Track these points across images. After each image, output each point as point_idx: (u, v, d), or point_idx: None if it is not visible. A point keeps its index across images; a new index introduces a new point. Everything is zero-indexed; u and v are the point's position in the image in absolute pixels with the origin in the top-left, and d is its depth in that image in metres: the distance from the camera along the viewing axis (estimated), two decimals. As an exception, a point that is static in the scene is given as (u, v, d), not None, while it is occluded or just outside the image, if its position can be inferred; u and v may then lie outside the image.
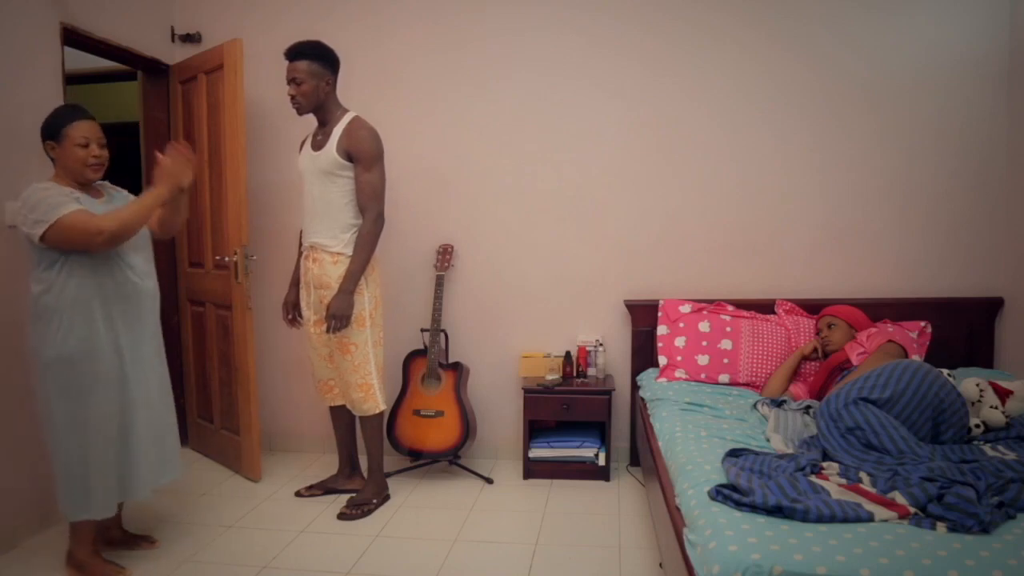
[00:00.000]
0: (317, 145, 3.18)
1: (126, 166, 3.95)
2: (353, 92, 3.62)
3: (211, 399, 3.90)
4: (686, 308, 3.60)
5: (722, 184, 3.72)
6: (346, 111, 3.20)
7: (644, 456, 3.21)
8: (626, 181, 3.77)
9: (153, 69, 3.93)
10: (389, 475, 3.61)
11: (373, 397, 3.27)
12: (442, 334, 3.72)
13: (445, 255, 3.76)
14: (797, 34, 3.62)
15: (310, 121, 3.25)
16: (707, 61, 3.68)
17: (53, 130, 2.51)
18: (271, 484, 3.59)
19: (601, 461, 3.61)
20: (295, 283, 3.40)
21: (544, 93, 3.78)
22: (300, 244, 3.35)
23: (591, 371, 3.76)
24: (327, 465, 3.78)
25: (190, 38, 3.97)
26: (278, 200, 3.97)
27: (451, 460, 3.71)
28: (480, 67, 3.81)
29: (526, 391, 3.63)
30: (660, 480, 2.46)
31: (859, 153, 3.63)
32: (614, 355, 3.85)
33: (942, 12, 3.52)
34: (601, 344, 3.77)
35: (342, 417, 3.46)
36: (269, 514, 3.26)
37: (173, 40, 4.00)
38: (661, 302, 3.66)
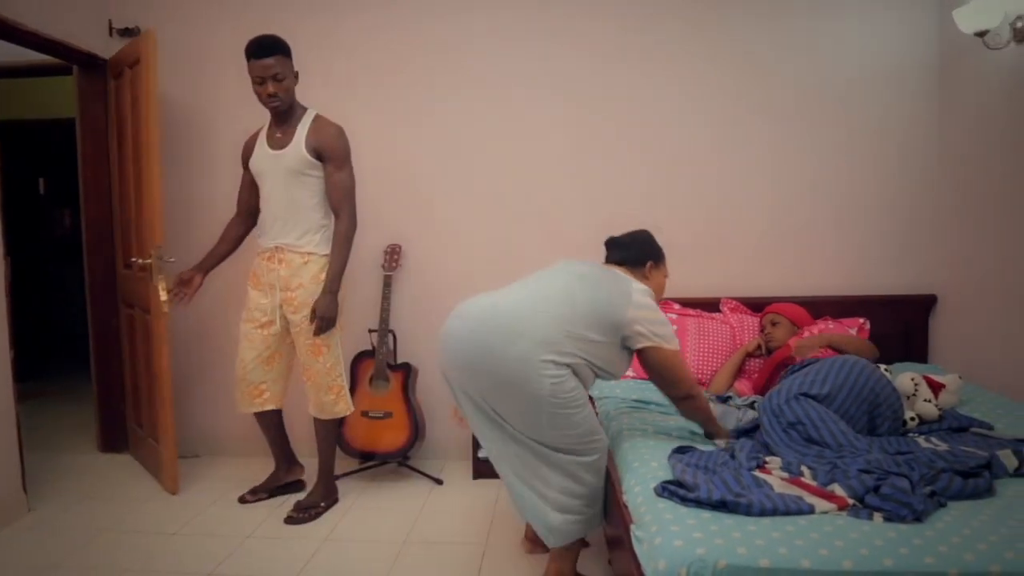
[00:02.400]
0: (277, 143, 3.08)
1: (62, 163, 3.84)
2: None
3: (140, 405, 3.81)
4: (633, 307, 3.64)
5: (668, 186, 3.77)
6: (306, 108, 3.14)
7: (593, 454, 3.24)
8: (576, 182, 3.79)
9: (89, 64, 3.81)
10: (337, 478, 3.57)
11: (344, 399, 3.26)
12: (390, 335, 3.70)
13: (393, 255, 3.73)
14: (737, 41, 3.69)
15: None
16: (650, 66, 3.72)
17: (660, 258, 2.74)
18: (211, 490, 3.52)
19: (550, 460, 3.62)
20: (202, 266, 3.30)
21: (493, 93, 3.78)
22: (219, 242, 3.30)
23: (540, 370, 3.77)
24: (264, 467, 3.73)
25: (128, 32, 3.85)
26: (206, 201, 3.88)
27: (400, 461, 3.69)
28: (427, 65, 3.79)
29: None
30: (608, 477, 2.48)
31: (799, 157, 3.72)
32: (563, 354, 3.87)
33: (876, 21, 3.64)
34: (550, 343, 3.78)
35: (269, 420, 3.38)
36: (215, 520, 3.19)
37: (111, 34, 3.87)
38: (609, 301, 3.69)
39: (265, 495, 3.40)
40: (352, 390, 3.62)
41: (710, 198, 3.76)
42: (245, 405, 3.32)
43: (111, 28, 3.87)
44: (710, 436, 2.53)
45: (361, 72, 3.82)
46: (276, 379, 3.30)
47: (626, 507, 2.10)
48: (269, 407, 3.33)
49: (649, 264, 2.64)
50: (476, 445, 3.64)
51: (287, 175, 3.06)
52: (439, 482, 3.61)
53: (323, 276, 3.10)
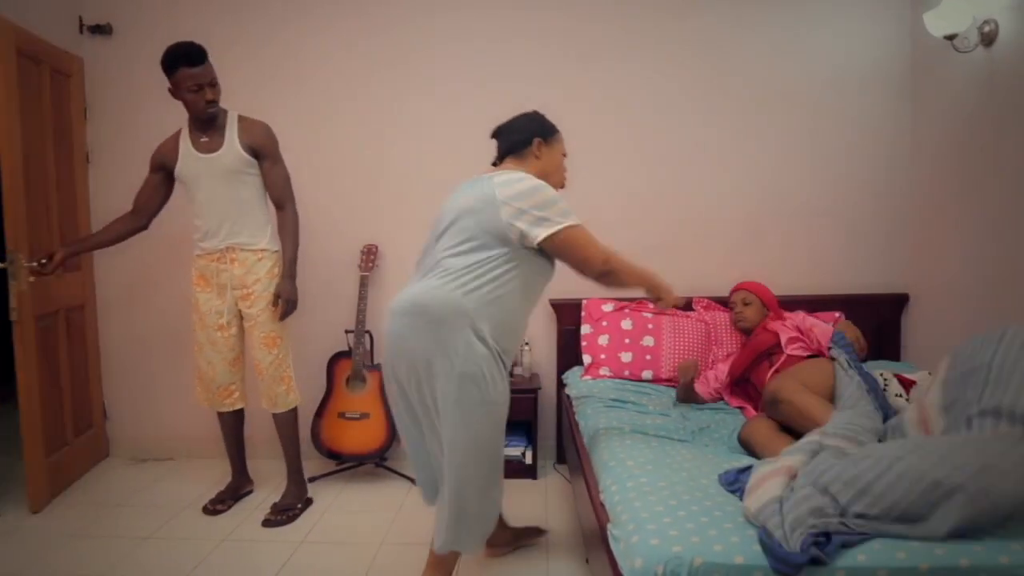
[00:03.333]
0: (205, 147, 3.08)
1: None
2: (267, 90, 3.55)
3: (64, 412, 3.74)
4: (608, 307, 3.66)
5: (642, 187, 3.79)
6: (226, 110, 3.14)
7: (570, 453, 3.25)
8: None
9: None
10: (314, 479, 3.55)
11: (294, 390, 3.30)
12: (367, 335, 3.68)
13: (369, 255, 3.72)
14: (712, 41, 3.72)
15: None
16: (623, 66, 3.74)
17: (549, 131, 2.45)
18: (185, 493, 3.48)
19: (528, 459, 3.63)
20: (68, 245, 3.26)
21: (468, 90, 3.78)
22: (101, 231, 3.29)
23: (517, 370, 3.78)
24: (205, 469, 3.73)
25: (100, 29, 3.80)
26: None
27: (377, 462, 3.67)
28: (400, 66, 3.78)
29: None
30: (585, 477, 2.49)
31: (773, 157, 3.76)
32: (540, 354, 3.88)
33: (850, 23, 3.69)
34: (527, 343, 3.80)
35: (235, 419, 3.39)
36: (189, 523, 3.16)
37: (81, 31, 3.82)
38: (584, 301, 3.70)
39: (231, 502, 3.37)
40: (329, 391, 3.61)
41: (683, 197, 3.79)
42: (219, 405, 3.32)
43: (81, 25, 3.81)
44: (656, 299, 2.38)
45: (336, 75, 3.80)
46: (242, 378, 3.34)
47: (603, 506, 2.10)
48: (239, 406, 3.36)
49: (537, 142, 2.39)
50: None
51: (226, 176, 3.08)
52: (416, 482, 3.60)
53: (276, 271, 3.17)
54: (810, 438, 2.11)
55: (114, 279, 3.94)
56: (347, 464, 3.70)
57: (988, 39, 3.07)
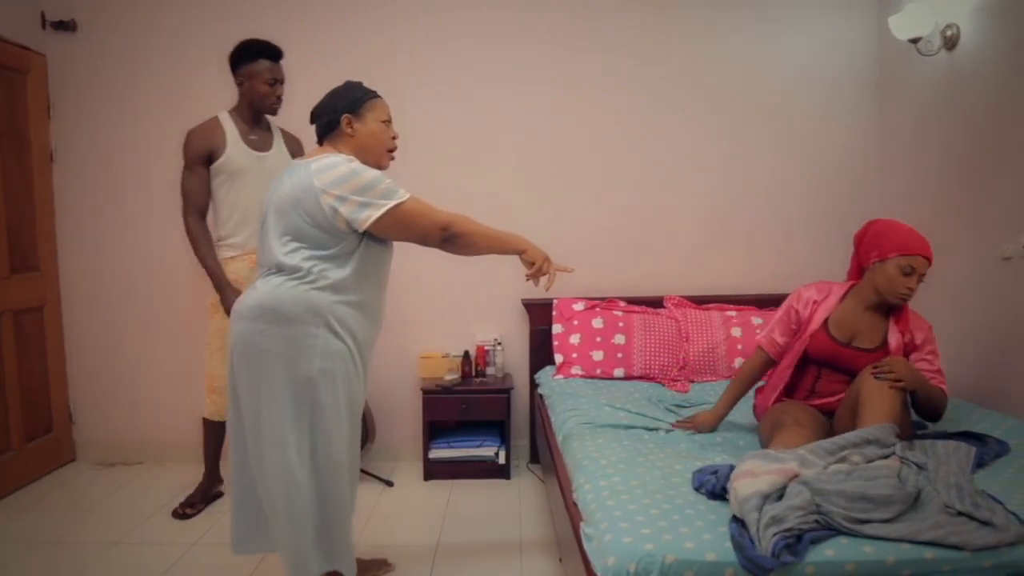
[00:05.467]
0: (254, 145, 3.09)
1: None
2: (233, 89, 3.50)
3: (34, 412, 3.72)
4: (579, 306, 3.68)
5: (613, 186, 3.82)
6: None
7: (543, 453, 3.26)
8: (521, 181, 3.81)
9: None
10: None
11: None
12: (339, 336, 3.66)
13: (341, 256, 3.69)
14: (681, 43, 3.77)
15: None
16: (593, 64, 3.77)
17: (356, 104, 2.24)
18: (154, 498, 3.44)
19: (501, 460, 3.63)
20: (229, 284, 3.13)
21: (438, 90, 3.78)
22: (212, 249, 3.15)
23: (490, 370, 3.78)
24: (175, 473, 3.71)
25: (63, 25, 3.73)
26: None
27: (350, 464, 3.65)
28: (373, 65, 3.77)
29: (425, 392, 3.62)
30: (558, 476, 2.50)
31: (743, 157, 3.81)
32: (513, 354, 3.89)
33: (819, 25, 3.76)
34: (500, 343, 3.80)
35: (222, 428, 3.29)
36: (158, 528, 3.12)
37: (44, 27, 3.75)
38: (555, 301, 3.72)
39: (202, 505, 3.32)
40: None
41: (654, 198, 3.83)
42: (220, 414, 3.21)
43: (44, 20, 3.74)
44: (529, 263, 2.31)
45: (303, 71, 3.77)
46: None
47: (576, 505, 2.11)
48: None
49: (345, 119, 2.21)
50: (427, 446, 3.63)
51: (272, 178, 3.03)
52: (390, 484, 3.59)
53: None
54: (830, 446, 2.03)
55: (80, 279, 3.87)
56: (319, 466, 3.67)
57: (950, 43, 3.14)
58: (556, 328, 3.65)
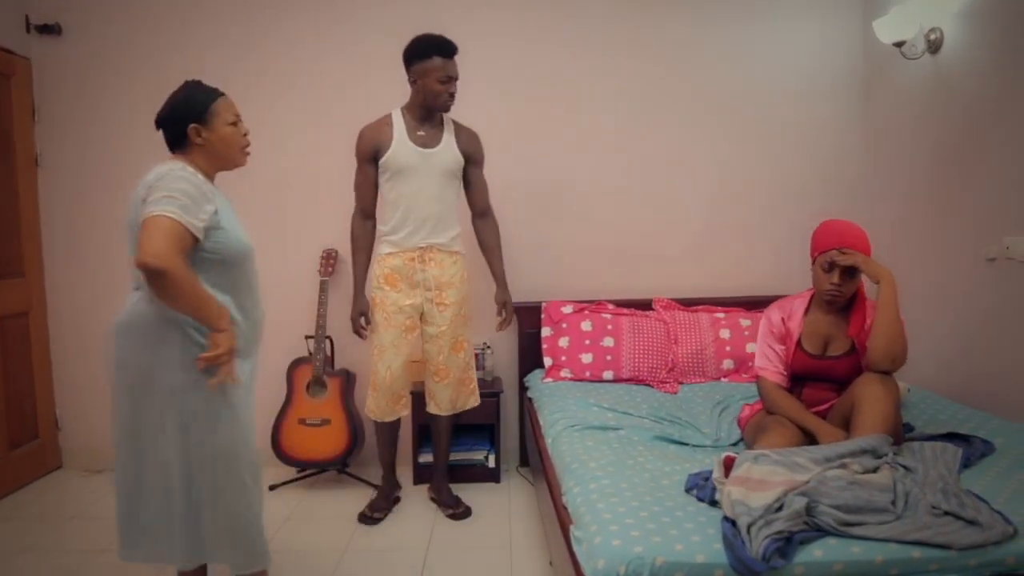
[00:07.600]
0: (421, 141, 3.04)
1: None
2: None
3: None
4: (568, 309, 3.68)
5: (600, 189, 3.83)
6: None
7: (533, 456, 3.26)
8: (507, 185, 3.81)
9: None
10: (274, 487, 3.52)
11: (476, 391, 3.36)
12: (327, 340, 3.65)
13: (329, 260, 3.68)
14: (667, 46, 3.78)
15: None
16: (580, 68, 3.77)
17: (201, 110, 2.06)
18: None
19: (491, 463, 3.63)
20: (361, 292, 3.19)
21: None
22: (361, 255, 3.20)
23: (479, 374, 3.78)
24: None
25: (48, 29, 3.70)
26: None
27: (339, 469, 3.64)
28: (357, 65, 3.76)
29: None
30: (548, 479, 2.50)
31: (729, 160, 3.83)
32: (502, 357, 3.89)
33: (804, 28, 3.78)
34: (489, 346, 3.80)
35: (394, 429, 3.34)
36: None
37: (29, 31, 3.72)
38: (544, 304, 3.72)
39: (388, 510, 3.30)
40: (289, 397, 3.56)
41: (642, 201, 3.84)
42: (389, 415, 3.23)
43: (28, 24, 3.71)
44: (215, 328, 1.97)
45: (289, 79, 3.77)
46: (410, 383, 3.30)
47: (565, 508, 2.12)
48: (405, 412, 3.31)
49: (192, 129, 2.05)
50: (417, 450, 3.62)
51: (441, 175, 3.06)
52: (378, 488, 3.58)
53: (465, 275, 3.22)
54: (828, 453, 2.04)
55: (67, 285, 3.84)
56: (308, 471, 3.66)
57: (934, 46, 3.17)
58: (545, 331, 3.65)
